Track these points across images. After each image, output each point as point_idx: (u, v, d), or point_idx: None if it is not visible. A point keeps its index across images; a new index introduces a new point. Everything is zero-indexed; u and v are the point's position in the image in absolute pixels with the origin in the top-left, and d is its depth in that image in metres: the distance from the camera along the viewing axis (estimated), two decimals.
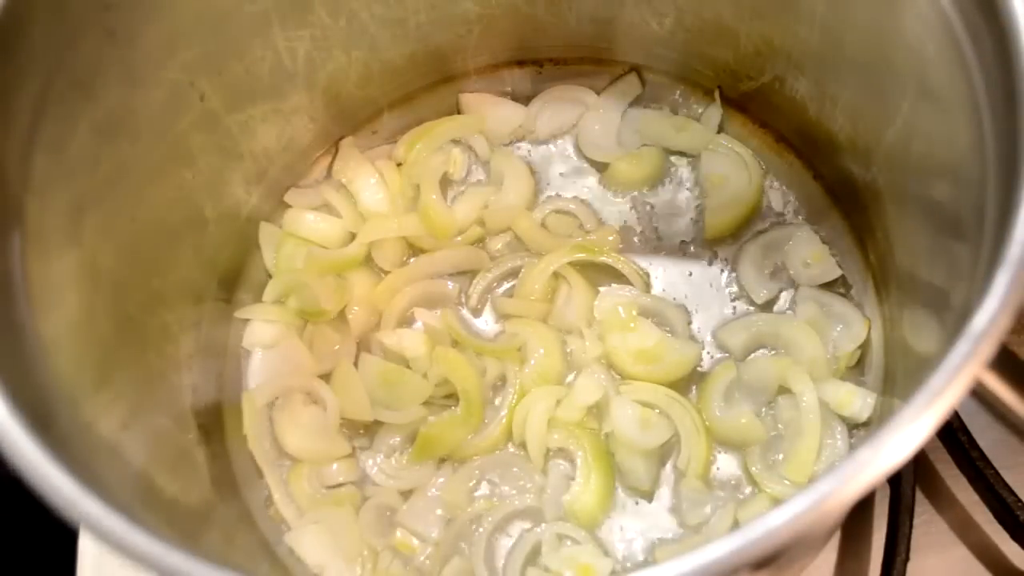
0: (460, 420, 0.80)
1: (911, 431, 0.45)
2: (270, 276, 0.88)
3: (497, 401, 0.82)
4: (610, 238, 0.87)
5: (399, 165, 0.90)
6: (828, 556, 0.79)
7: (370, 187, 0.89)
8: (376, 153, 0.91)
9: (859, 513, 0.79)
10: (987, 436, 0.78)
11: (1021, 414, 0.82)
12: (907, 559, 0.74)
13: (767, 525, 0.44)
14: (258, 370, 0.85)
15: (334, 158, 0.91)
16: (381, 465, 0.81)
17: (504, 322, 0.85)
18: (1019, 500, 0.74)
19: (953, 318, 0.57)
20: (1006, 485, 0.75)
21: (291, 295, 0.85)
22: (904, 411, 0.46)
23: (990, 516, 0.77)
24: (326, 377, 0.83)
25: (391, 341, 0.83)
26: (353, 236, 0.88)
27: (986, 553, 0.78)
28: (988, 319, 0.47)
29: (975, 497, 0.78)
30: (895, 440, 0.45)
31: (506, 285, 0.87)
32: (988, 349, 0.47)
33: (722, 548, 0.43)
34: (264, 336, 0.85)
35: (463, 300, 0.87)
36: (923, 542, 0.76)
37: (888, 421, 0.46)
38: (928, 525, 0.79)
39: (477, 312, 0.87)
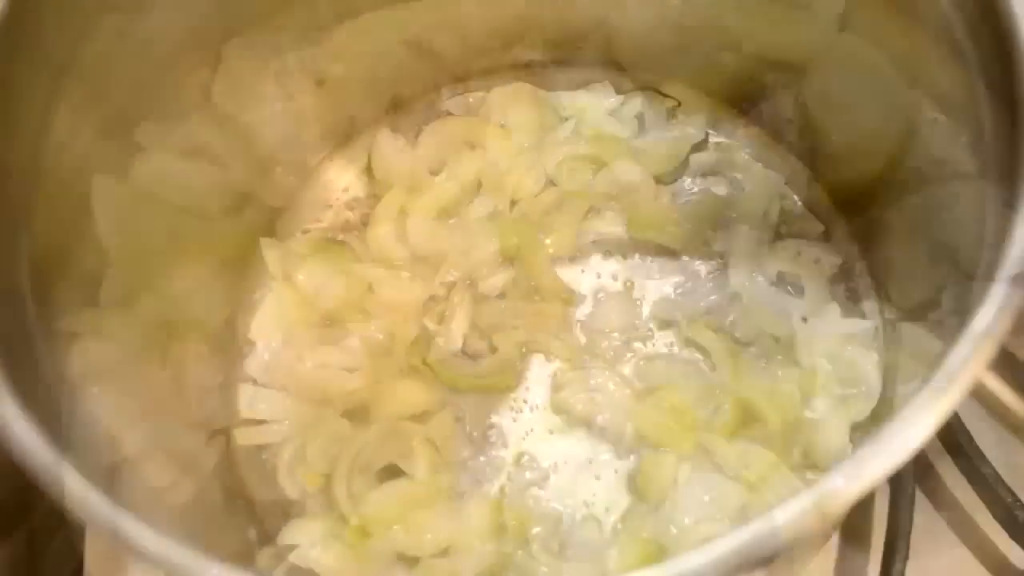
0: None
1: (912, 431, 0.46)
2: None
3: None
4: None
5: None
6: (827, 556, 0.79)
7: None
8: None
9: (859, 513, 0.79)
10: (987, 436, 0.77)
11: (1021, 414, 0.81)
12: (907, 559, 0.74)
13: (766, 525, 0.44)
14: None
15: None
16: None
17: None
18: (1019, 500, 0.74)
19: (954, 319, 0.56)
20: (1006, 485, 0.75)
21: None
22: (905, 411, 0.46)
23: (990, 516, 0.76)
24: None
25: None
26: None
27: (986, 553, 0.77)
28: (989, 320, 0.48)
29: (975, 497, 0.77)
30: (895, 440, 0.45)
31: None
32: (989, 350, 0.47)
33: (719, 548, 0.43)
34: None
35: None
36: (923, 542, 0.76)
37: (888, 421, 0.46)
38: (928, 525, 0.78)
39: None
